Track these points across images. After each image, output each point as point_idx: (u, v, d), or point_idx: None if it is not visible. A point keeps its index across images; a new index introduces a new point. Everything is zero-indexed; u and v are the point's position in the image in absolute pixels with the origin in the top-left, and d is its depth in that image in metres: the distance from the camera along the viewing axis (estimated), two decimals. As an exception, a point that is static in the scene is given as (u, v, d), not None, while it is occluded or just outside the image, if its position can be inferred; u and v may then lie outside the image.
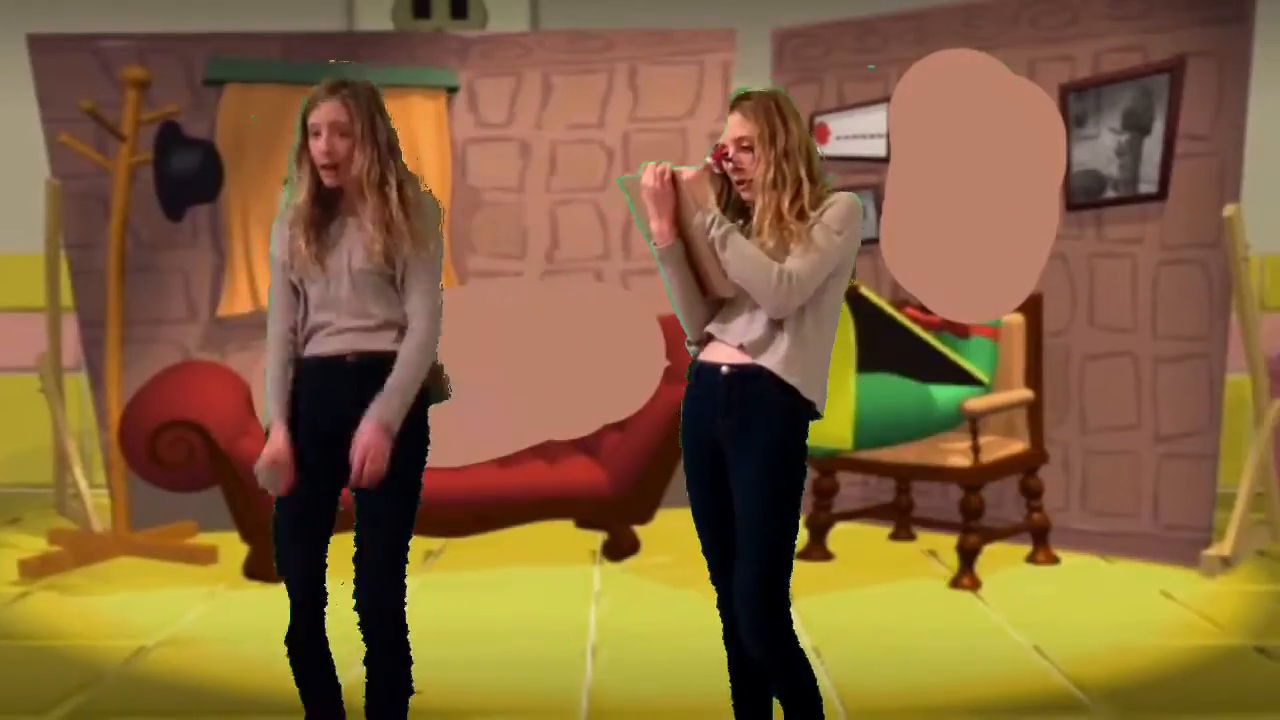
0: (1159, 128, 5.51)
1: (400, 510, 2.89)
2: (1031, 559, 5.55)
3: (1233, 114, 5.34)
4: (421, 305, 2.87)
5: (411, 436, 2.88)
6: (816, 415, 2.77)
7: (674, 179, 2.73)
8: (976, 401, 5.15)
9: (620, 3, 7.13)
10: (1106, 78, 5.65)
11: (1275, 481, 5.76)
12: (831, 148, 6.25)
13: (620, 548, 5.69)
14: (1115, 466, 5.69)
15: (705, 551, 2.89)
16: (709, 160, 2.78)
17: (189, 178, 5.69)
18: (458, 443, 5.04)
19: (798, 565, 2.82)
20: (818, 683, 2.82)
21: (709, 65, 6.52)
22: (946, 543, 5.57)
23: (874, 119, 6.20)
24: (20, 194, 6.57)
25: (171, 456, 5.29)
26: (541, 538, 5.81)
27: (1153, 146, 5.53)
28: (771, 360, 2.71)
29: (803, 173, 2.73)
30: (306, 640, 2.94)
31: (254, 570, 5.23)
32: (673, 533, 5.88)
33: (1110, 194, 5.65)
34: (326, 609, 2.96)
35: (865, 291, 5.19)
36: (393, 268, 2.86)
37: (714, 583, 2.90)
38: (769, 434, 2.72)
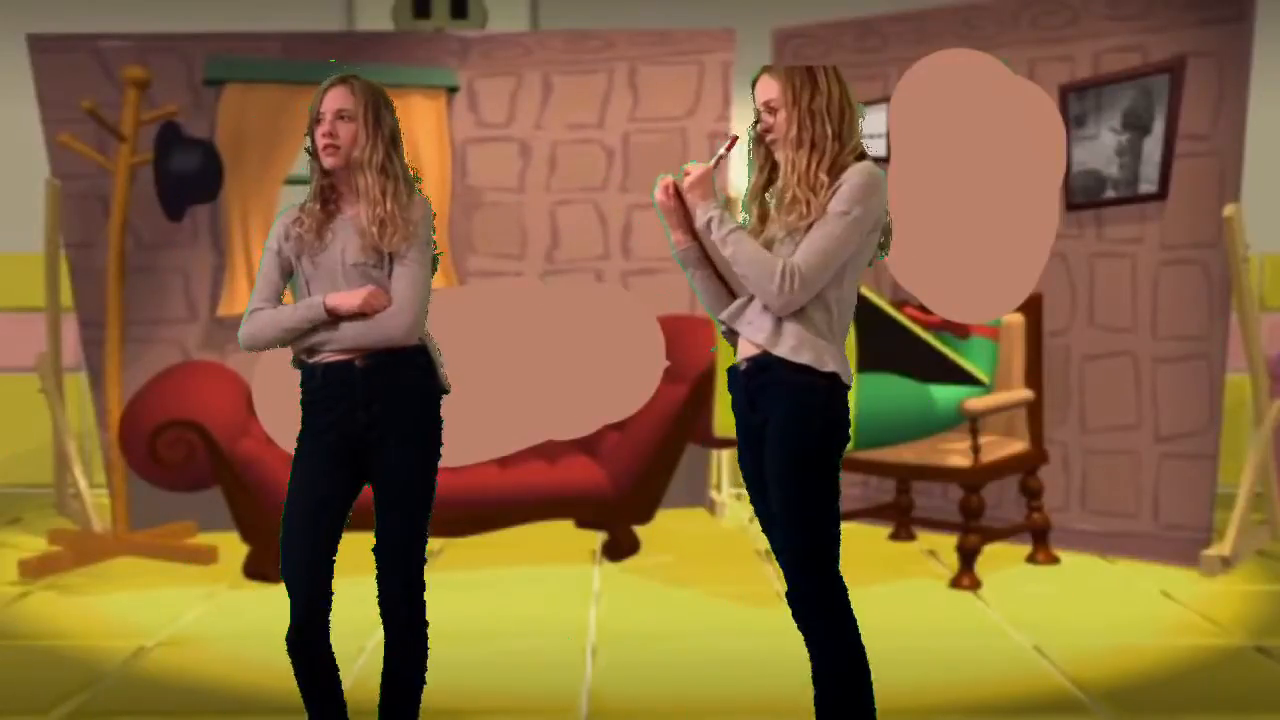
0: (1159, 128, 5.51)
1: (419, 495, 2.92)
2: (1031, 559, 5.55)
3: (1233, 114, 5.34)
4: (407, 293, 2.86)
5: (427, 425, 2.94)
6: (846, 385, 2.79)
7: (678, 190, 2.84)
8: (976, 401, 5.15)
9: (620, 3, 7.12)
10: (1106, 78, 5.65)
11: (1275, 481, 5.77)
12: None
13: (620, 548, 5.68)
14: (1115, 466, 5.69)
15: (765, 533, 2.94)
16: (722, 152, 2.88)
17: (189, 178, 5.68)
18: (458, 443, 5.05)
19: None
20: (869, 674, 2.84)
21: (709, 65, 6.52)
22: (946, 543, 5.56)
23: (874, 119, 6.19)
24: (20, 194, 6.58)
25: (171, 456, 5.29)
26: (541, 538, 5.81)
27: (1153, 146, 5.53)
28: (783, 349, 2.75)
29: (830, 132, 2.76)
30: (310, 645, 2.92)
31: (254, 570, 5.23)
32: (673, 533, 5.91)
33: (1110, 194, 5.66)
34: (329, 611, 2.95)
35: (865, 291, 5.18)
36: (382, 257, 2.87)
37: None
38: (785, 413, 2.77)
